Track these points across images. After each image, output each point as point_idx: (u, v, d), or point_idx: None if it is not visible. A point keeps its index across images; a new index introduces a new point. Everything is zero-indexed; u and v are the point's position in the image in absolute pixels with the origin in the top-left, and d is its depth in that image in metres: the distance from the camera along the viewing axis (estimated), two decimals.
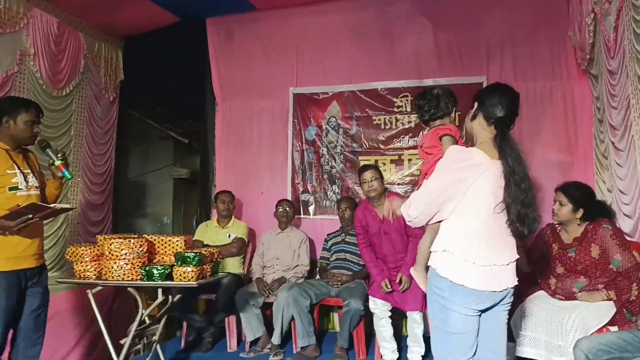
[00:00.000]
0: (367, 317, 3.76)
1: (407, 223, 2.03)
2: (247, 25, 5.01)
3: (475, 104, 2.05)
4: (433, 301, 1.95)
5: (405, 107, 4.59)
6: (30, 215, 2.46)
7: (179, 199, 7.00)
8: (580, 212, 2.80)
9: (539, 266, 3.05)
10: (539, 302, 2.86)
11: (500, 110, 1.96)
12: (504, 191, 1.86)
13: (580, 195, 2.81)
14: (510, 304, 2.02)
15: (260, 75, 5.01)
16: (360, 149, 4.71)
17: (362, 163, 4.67)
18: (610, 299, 2.65)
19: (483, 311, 1.94)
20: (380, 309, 3.58)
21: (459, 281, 1.85)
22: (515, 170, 1.87)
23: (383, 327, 3.58)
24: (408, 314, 3.52)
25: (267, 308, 4.13)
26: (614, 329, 2.52)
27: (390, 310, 3.60)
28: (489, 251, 1.88)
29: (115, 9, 4.64)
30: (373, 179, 3.55)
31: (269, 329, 4.00)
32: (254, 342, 4.04)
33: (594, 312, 2.61)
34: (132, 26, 5.06)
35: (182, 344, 4.22)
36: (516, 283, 1.97)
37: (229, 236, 4.38)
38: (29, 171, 2.68)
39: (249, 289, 4.10)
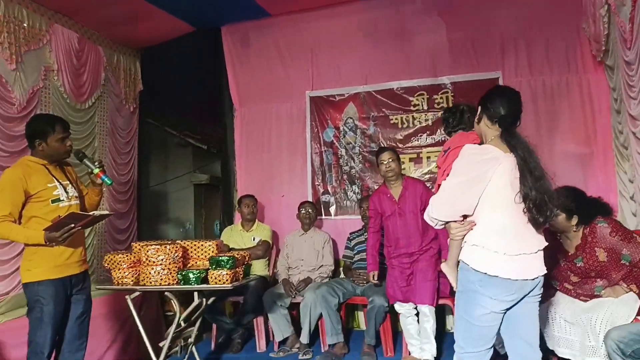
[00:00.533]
0: (394, 314, 3.81)
1: (436, 226, 2.12)
2: (262, 31, 5.10)
3: (479, 108, 2.17)
4: (462, 293, 2.04)
5: (422, 105, 4.64)
6: (73, 225, 2.56)
7: (200, 204, 7.11)
8: (575, 219, 2.70)
9: (550, 272, 3.03)
10: (563, 302, 2.85)
11: (502, 109, 2.07)
12: (520, 181, 1.96)
13: (570, 201, 2.68)
14: (540, 295, 2.08)
15: (277, 80, 5.09)
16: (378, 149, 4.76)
17: None
18: (631, 291, 2.62)
19: (511, 307, 2.01)
20: (405, 308, 3.61)
21: (492, 272, 1.92)
22: (528, 159, 1.99)
23: (410, 325, 3.62)
24: (418, 307, 3.53)
25: (293, 308, 4.20)
26: None
27: (415, 308, 3.62)
28: (516, 241, 1.96)
29: (132, 22, 4.75)
30: (391, 160, 3.59)
31: (296, 329, 4.07)
32: (282, 342, 4.11)
33: (619, 308, 2.58)
34: (149, 37, 5.17)
35: (212, 346, 4.31)
36: (545, 271, 2.04)
37: (253, 239, 4.46)
38: (68, 182, 2.79)
39: (276, 290, 4.18)
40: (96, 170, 2.78)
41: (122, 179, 5.16)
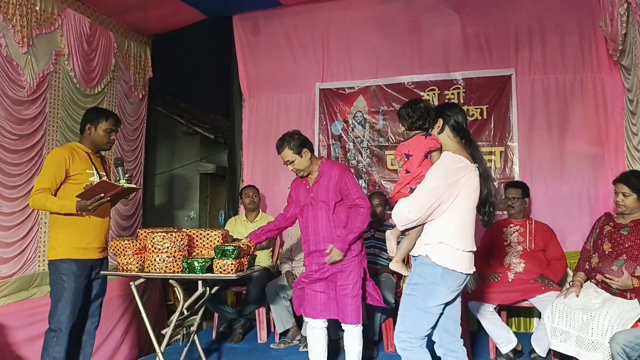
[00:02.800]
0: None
1: (403, 226, 2.25)
2: (273, 21, 5.06)
3: (440, 120, 2.32)
4: (419, 285, 2.24)
5: (433, 101, 4.59)
6: (102, 195, 2.71)
7: (205, 194, 7.12)
8: None
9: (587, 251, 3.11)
10: (574, 296, 2.87)
11: (462, 121, 2.33)
12: (481, 188, 2.26)
13: None
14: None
15: (287, 71, 5.06)
16: (386, 144, 4.74)
17: (388, 158, 4.71)
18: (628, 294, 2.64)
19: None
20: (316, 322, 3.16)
21: (452, 267, 2.18)
22: (486, 169, 2.33)
23: (316, 341, 3.17)
24: (342, 326, 3.04)
25: None
26: None
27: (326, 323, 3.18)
28: (469, 239, 2.25)
29: (144, 8, 4.74)
30: (289, 162, 3.02)
31: (298, 321, 4.06)
32: (283, 334, 4.11)
33: (628, 306, 2.61)
34: (160, 24, 5.16)
35: (214, 335, 4.32)
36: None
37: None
38: (104, 174, 2.99)
39: (278, 281, 4.17)
40: (122, 182, 2.87)
41: (129, 166, 5.14)
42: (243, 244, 2.87)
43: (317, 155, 3.21)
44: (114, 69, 4.89)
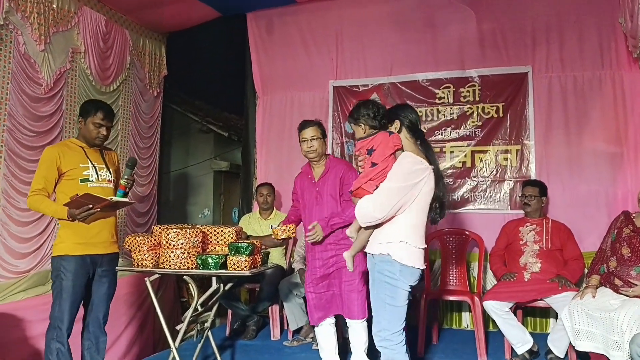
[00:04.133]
0: None
1: (366, 223, 2.31)
2: (287, 18, 5.05)
3: (397, 122, 2.39)
4: (383, 283, 2.29)
5: (448, 98, 4.55)
6: (90, 205, 2.66)
7: (219, 191, 7.15)
8: None
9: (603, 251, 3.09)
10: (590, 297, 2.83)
11: (416, 122, 2.40)
12: (436, 188, 2.34)
13: None
14: None
15: (301, 68, 5.05)
16: None
17: None
18: None
19: None
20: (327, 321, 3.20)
21: (410, 264, 2.26)
22: (439, 168, 2.42)
23: (326, 339, 3.20)
24: (347, 322, 3.05)
25: None
26: None
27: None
28: (423, 237, 2.35)
29: (159, 6, 4.76)
30: (314, 137, 3.05)
31: None
32: (296, 331, 4.11)
33: None
34: (175, 22, 5.19)
35: (227, 332, 4.34)
36: None
37: (271, 227, 4.45)
38: (104, 167, 2.93)
39: (292, 279, 4.17)
40: (122, 182, 2.87)
41: (144, 163, 5.20)
42: (257, 241, 2.85)
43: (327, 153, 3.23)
44: (129, 66, 4.94)
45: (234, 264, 2.63)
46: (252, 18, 5.20)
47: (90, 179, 2.84)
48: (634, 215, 2.96)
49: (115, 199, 2.79)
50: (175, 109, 6.50)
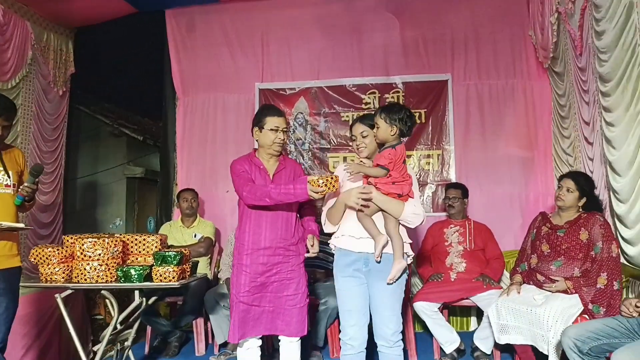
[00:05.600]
0: None
1: (417, 224, 2.45)
2: (210, 17, 4.85)
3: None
4: (403, 280, 2.43)
5: (374, 103, 4.61)
6: None
7: (133, 199, 6.69)
8: (583, 201, 2.92)
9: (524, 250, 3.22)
10: (516, 294, 2.95)
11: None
12: None
13: (587, 184, 2.95)
14: None
15: (225, 69, 4.86)
16: (328, 146, 4.69)
17: (330, 160, 4.66)
18: (568, 290, 2.75)
19: None
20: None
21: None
22: None
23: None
24: (281, 339, 2.77)
25: None
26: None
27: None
28: None
29: None
30: (285, 130, 2.73)
31: None
32: (223, 345, 3.90)
33: (570, 301, 2.71)
34: (85, 16, 4.78)
35: (146, 350, 4.02)
36: None
37: (194, 236, 4.22)
38: (1, 169, 2.56)
39: (218, 290, 3.95)
40: (21, 188, 2.57)
41: (47, 169, 4.70)
42: (186, 250, 2.64)
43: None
44: (30, 62, 4.46)
45: (160, 275, 2.41)
46: (171, 15, 4.92)
47: None
48: (550, 214, 3.14)
49: (5, 224, 2.42)
50: (84, 110, 5.99)
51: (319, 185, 2.34)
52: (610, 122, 2.78)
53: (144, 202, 6.87)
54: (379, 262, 2.37)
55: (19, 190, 2.56)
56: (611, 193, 2.93)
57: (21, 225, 2.55)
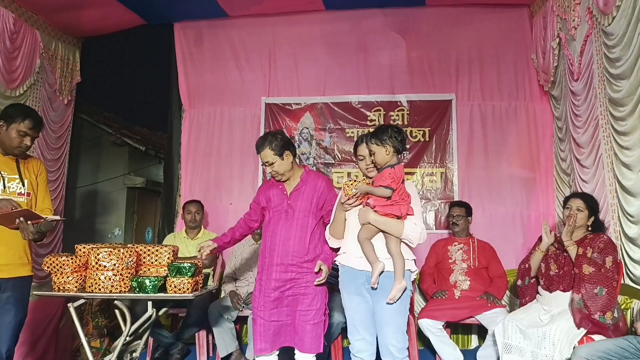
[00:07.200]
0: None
1: (419, 242, 2.50)
2: (218, 31, 4.91)
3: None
4: (407, 297, 2.47)
5: (379, 121, 4.67)
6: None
7: (132, 210, 6.66)
8: (592, 220, 2.95)
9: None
10: (523, 313, 2.98)
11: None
12: None
13: (594, 204, 2.99)
14: None
15: (231, 83, 4.90)
16: (333, 161, 4.73)
17: (335, 175, 4.70)
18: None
19: None
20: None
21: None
22: None
23: None
24: (297, 354, 2.77)
25: (238, 322, 4.00)
26: (597, 337, 2.64)
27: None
28: None
29: (77, 7, 4.40)
30: (268, 163, 2.77)
31: (241, 344, 3.87)
32: (225, 358, 3.88)
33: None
34: (94, 26, 4.81)
35: None
36: None
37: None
38: (17, 177, 2.62)
39: (222, 302, 3.95)
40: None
41: (50, 177, 4.68)
42: (199, 261, 2.65)
43: (297, 162, 2.95)
44: (38, 70, 4.47)
45: (175, 287, 2.41)
46: (179, 28, 4.98)
47: None
48: (559, 236, 3.15)
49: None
50: (86, 119, 5.99)
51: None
52: (626, 146, 2.85)
53: (144, 212, 6.85)
54: (375, 289, 2.44)
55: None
56: (623, 215, 2.99)
57: (57, 217, 2.74)
